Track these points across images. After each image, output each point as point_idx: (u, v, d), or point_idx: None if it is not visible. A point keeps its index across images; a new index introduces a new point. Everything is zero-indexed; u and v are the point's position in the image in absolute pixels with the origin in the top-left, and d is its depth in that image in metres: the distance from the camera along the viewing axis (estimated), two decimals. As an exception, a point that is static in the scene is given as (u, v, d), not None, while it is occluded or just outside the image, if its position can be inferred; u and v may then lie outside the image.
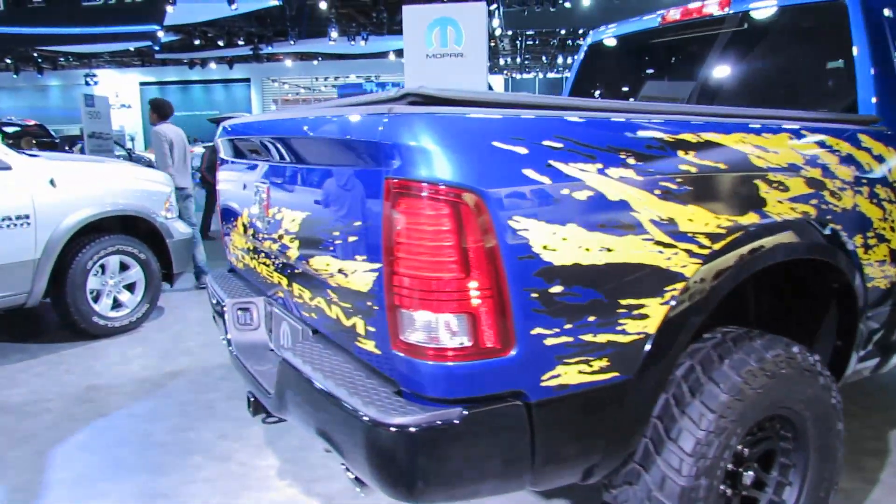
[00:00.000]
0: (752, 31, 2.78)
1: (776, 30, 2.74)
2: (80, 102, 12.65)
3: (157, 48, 20.98)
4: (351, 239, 1.56)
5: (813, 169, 1.93)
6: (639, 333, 1.56)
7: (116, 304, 4.88)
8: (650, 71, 3.22)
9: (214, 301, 2.69)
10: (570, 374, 1.49)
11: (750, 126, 1.85)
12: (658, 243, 1.56)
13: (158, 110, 6.18)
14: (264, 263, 2.26)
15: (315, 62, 27.61)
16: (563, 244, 1.44)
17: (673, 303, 1.60)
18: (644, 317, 1.56)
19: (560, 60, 26.50)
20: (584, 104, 1.64)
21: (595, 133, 1.55)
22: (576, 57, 3.57)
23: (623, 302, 1.53)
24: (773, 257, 1.79)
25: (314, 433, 1.74)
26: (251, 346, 2.37)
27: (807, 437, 1.94)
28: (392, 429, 1.38)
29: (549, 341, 1.44)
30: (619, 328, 1.54)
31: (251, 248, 2.40)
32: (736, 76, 2.89)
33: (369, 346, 1.58)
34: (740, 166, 1.77)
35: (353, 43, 21.67)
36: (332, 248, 1.66)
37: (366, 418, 1.42)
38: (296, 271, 1.96)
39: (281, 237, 1.99)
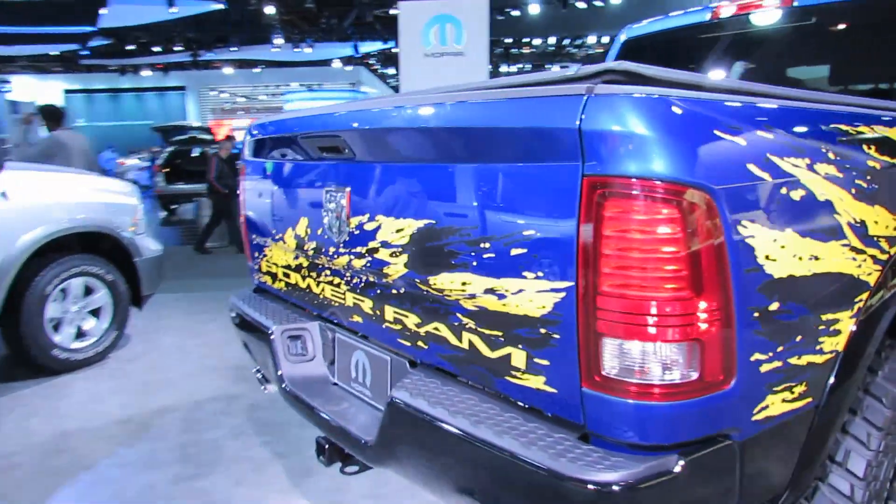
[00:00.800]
0: (822, 24, 2.62)
1: (852, 22, 2.58)
2: (5, 109, 11.64)
3: (86, 53, 19.70)
4: (515, 252, 1.24)
5: None
6: (832, 352, 1.38)
7: (79, 334, 4.30)
8: (704, 67, 3.03)
9: (243, 327, 2.30)
10: (776, 405, 1.28)
11: None
12: (853, 249, 1.38)
13: (52, 117, 5.91)
14: (330, 282, 1.89)
15: (256, 70, 26.67)
16: (782, 253, 1.22)
17: (860, 315, 1.42)
18: (837, 333, 1.38)
19: (504, 69, 26.71)
20: (771, 91, 1.42)
21: (799, 123, 1.37)
22: (609, 54, 3.34)
23: (823, 317, 1.34)
24: None
25: (449, 491, 1.41)
26: (308, 380, 1.99)
27: None
28: (600, 487, 1.10)
29: (763, 368, 1.23)
30: (817, 347, 1.34)
31: (305, 264, 2.02)
32: (807, 71, 2.74)
33: (533, 382, 1.27)
34: None
35: (296, 50, 21.05)
36: (475, 264, 1.33)
37: (558, 475, 1.13)
38: (393, 291, 1.61)
39: (373, 251, 1.63)
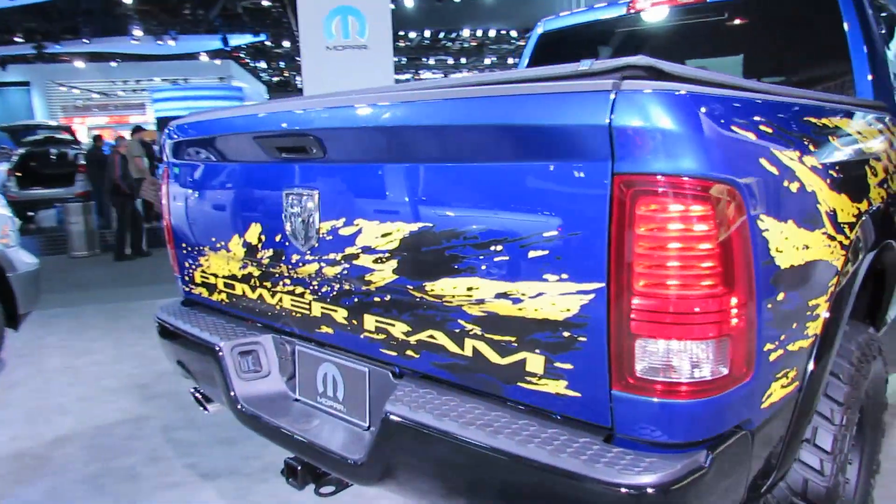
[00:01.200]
0: (734, 17, 2.80)
1: (762, 14, 2.78)
2: None
3: None
4: (534, 254, 1.20)
5: (886, 154, 1.96)
6: (813, 335, 1.45)
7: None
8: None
9: (178, 344, 2.09)
10: (776, 391, 1.32)
11: (847, 111, 1.83)
12: (828, 236, 1.46)
13: None
14: (291, 292, 1.76)
15: (113, 64, 24.36)
16: (786, 244, 1.26)
17: (832, 299, 1.50)
18: (817, 317, 1.45)
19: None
20: (766, 87, 1.49)
21: (787, 117, 1.43)
22: (526, 49, 3.39)
23: (810, 303, 1.41)
24: (880, 243, 1.77)
25: None
26: (266, 398, 1.85)
27: (866, 413, 1.96)
28: (643, 490, 1.08)
29: (772, 357, 1.26)
30: (805, 332, 1.40)
31: (256, 273, 1.87)
32: (722, 62, 2.92)
33: (552, 387, 1.24)
34: (860, 152, 1.75)
35: (159, 42, 19.52)
36: (483, 268, 1.28)
37: (597, 482, 1.10)
38: (376, 299, 1.52)
39: (351, 257, 1.53)
